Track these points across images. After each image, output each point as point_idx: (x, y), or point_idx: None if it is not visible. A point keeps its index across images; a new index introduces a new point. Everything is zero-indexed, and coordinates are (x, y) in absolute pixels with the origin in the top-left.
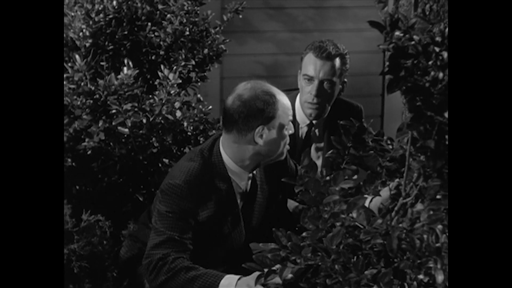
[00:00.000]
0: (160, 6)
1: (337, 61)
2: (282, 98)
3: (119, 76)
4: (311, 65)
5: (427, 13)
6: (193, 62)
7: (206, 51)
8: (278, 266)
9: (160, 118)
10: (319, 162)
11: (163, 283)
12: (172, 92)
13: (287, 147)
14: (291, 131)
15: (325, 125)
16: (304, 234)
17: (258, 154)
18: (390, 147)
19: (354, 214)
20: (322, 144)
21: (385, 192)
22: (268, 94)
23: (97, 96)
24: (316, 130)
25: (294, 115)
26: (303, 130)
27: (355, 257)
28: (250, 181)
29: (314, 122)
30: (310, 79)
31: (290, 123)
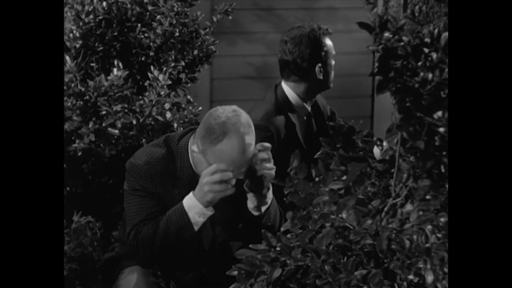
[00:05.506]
0: (149, 7)
1: None
2: (229, 143)
3: (109, 77)
4: (332, 45)
5: (416, 14)
6: (183, 63)
7: (196, 52)
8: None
9: (150, 119)
10: None
11: (152, 254)
12: (162, 93)
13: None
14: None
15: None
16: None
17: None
18: (380, 148)
19: (344, 215)
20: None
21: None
22: (223, 127)
23: (87, 97)
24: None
25: (292, 108)
26: (304, 120)
27: (345, 258)
28: None
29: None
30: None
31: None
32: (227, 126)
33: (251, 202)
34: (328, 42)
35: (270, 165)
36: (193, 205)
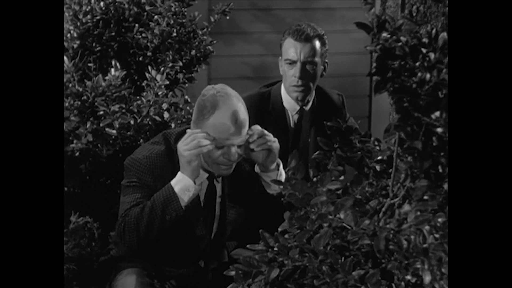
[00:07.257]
0: (147, 8)
1: (316, 42)
2: (220, 114)
3: (106, 78)
4: (291, 48)
5: (414, 14)
6: (181, 63)
7: (193, 52)
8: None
9: (147, 119)
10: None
11: (138, 235)
12: (159, 93)
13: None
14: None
15: (312, 117)
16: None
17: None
18: (378, 148)
19: (342, 215)
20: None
21: None
22: (213, 101)
23: (85, 97)
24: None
25: (282, 105)
26: (294, 118)
27: (343, 258)
28: (215, 181)
29: (304, 108)
30: (292, 62)
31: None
32: (217, 99)
33: (266, 183)
34: (290, 46)
35: (271, 137)
36: (178, 179)
